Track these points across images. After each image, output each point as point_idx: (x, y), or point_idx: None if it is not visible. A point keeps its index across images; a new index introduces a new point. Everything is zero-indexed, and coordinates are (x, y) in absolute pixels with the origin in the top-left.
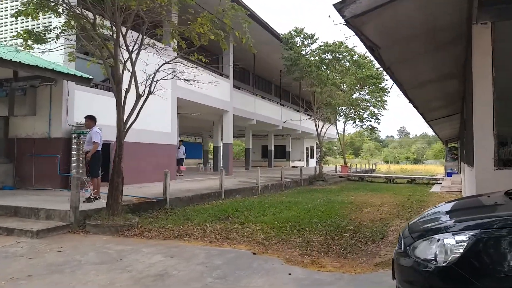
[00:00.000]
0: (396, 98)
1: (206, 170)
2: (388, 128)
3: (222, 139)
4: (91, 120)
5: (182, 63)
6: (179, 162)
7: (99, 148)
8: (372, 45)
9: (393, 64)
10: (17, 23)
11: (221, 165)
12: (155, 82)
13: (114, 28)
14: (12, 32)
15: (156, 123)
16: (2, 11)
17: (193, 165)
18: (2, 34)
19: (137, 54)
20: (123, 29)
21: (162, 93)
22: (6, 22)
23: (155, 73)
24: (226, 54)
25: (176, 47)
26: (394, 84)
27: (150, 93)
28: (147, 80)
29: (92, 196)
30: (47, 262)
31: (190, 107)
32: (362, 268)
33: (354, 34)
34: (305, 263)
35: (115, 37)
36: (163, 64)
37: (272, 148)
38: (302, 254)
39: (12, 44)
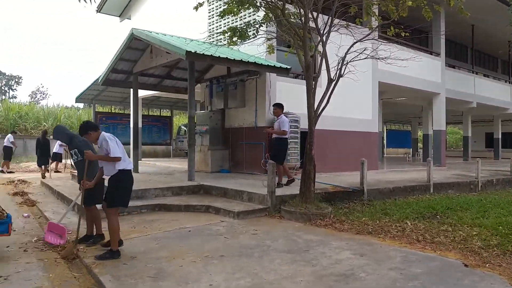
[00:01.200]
0: None
1: (414, 161)
2: None
3: (432, 125)
4: (278, 107)
5: (377, 40)
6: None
7: (287, 136)
8: None
9: None
10: (225, 22)
11: (431, 155)
12: (345, 65)
13: (302, 11)
14: (209, 30)
15: (355, 109)
16: (213, 16)
17: (400, 154)
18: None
19: (327, 37)
20: (314, 13)
21: (359, 77)
22: (218, 23)
23: (345, 54)
24: (436, 28)
25: (372, 24)
26: None
27: (340, 76)
28: (338, 63)
29: (282, 182)
30: (241, 244)
31: (394, 92)
32: None
33: None
34: None
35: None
36: (354, 43)
37: (499, 136)
38: None
39: (214, 41)
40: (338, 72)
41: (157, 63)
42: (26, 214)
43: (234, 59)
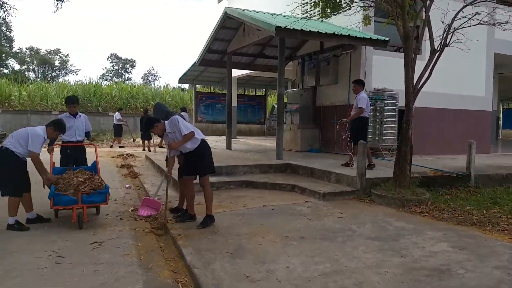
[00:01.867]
0: None
1: None
2: None
3: None
4: (358, 84)
5: (493, 2)
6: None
7: (366, 114)
8: None
9: None
10: None
11: None
12: (451, 32)
13: None
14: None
15: (464, 85)
16: None
17: None
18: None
19: (431, 2)
20: None
21: (470, 47)
22: None
23: (452, 20)
24: None
25: None
26: None
27: (445, 45)
28: (444, 31)
29: (372, 163)
30: (324, 226)
31: None
32: None
33: None
34: None
35: None
36: (464, 6)
37: None
38: None
39: (305, 15)
40: (443, 41)
41: (249, 41)
42: (128, 185)
43: (326, 33)
